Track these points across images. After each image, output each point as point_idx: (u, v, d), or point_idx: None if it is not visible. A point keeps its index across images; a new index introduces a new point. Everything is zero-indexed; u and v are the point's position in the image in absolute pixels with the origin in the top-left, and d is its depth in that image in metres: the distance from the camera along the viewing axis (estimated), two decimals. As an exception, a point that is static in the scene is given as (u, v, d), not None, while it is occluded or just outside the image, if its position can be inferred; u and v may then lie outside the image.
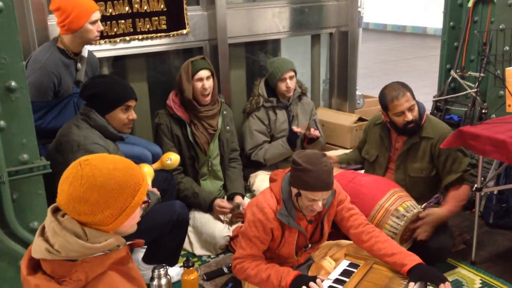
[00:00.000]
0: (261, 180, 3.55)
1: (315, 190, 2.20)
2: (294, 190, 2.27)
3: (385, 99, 2.88)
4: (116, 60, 3.62)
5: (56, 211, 1.43)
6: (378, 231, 2.40)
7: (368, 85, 6.79)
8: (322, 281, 2.21)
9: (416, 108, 2.87)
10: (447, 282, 2.16)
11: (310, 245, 2.46)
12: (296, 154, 2.28)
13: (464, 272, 2.84)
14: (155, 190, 2.55)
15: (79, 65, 2.93)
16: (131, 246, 1.54)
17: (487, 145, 2.55)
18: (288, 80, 3.53)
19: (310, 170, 2.17)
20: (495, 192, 3.27)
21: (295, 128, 3.52)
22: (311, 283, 2.16)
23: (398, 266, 2.27)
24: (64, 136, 2.47)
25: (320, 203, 2.23)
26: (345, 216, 2.44)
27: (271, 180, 2.46)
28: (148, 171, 2.57)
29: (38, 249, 1.38)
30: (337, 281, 2.27)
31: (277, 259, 2.41)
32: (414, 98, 2.88)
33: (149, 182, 2.54)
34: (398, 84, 2.90)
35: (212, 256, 3.07)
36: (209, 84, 3.14)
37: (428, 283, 2.23)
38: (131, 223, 1.49)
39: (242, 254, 2.35)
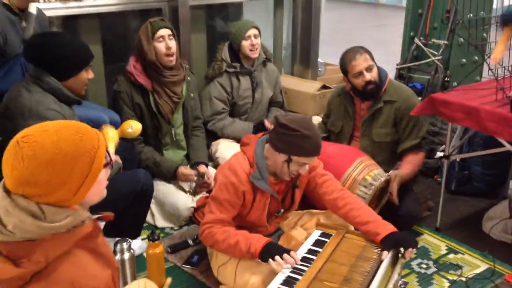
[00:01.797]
0: (224, 147, 3.42)
1: (312, 155, 2.19)
2: (282, 157, 2.19)
3: (344, 61, 2.88)
4: (68, 20, 3.34)
5: None
6: (353, 197, 2.36)
7: (325, 52, 6.72)
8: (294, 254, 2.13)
9: (375, 69, 2.86)
10: (410, 249, 2.14)
11: (282, 211, 2.39)
12: (285, 119, 2.18)
13: (429, 239, 2.85)
14: (117, 158, 2.38)
15: (23, 23, 2.67)
16: (100, 220, 1.40)
17: (458, 112, 2.53)
18: (253, 38, 3.37)
19: (308, 136, 2.13)
20: (457, 160, 3.29)
21: (267, 124, 3.40)
22: (285, 255, 2.08)
23: (372, 235, 2.23)
24: (13, 100, 2.24)
25: (307, 167, 2.23)
26: (319, 182, 2.39)
27: (243, 144, 2.38)
28: (112, 135, 2.38)
29: None
30: (310, 251, 2.21)
31: (246, 228, 2.32)
32: (373, 59, 2.87)
33: (112, 148, 2.36)
34: (357, 47, 2.91)
35: (175, 228, 2.95)
36: (172, 43, 2.94)
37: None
38: (97, 191, 1.34)
39: (211, 219, 2.25)
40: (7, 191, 1.23)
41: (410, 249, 2.14)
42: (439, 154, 3.40)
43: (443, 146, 3.32)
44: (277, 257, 2.06)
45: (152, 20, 2.97)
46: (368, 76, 2.80)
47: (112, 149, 2.37)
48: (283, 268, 2.05)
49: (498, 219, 2.86)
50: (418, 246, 2.75)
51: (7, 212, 1.20)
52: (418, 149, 2.88)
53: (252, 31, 3.38)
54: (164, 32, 2.93)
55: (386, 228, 2.22)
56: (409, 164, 2.83)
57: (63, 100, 2.30)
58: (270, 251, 2.10)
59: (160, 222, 2.95)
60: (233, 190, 2.24)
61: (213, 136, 3.52)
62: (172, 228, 2.95)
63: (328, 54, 6.25)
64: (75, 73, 2.31)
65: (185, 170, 3.01)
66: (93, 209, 1.39)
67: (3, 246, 1.21)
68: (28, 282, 1.21)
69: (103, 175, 1.33)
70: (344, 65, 2.87)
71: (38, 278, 1.22)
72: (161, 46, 2.92)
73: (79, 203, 1.31)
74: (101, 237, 1.43)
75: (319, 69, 4.65)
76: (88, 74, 2.37)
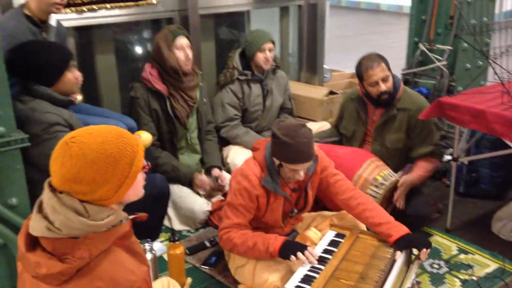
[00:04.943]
0: (235, 153, 3.50)
1: (296, 162, 2.22)
2: (276, 161, 2.28)
3: (361, 68, 2.92)
4: (82, 30, 3.44)
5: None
6: (365, 197, 2.42)
7: (329, 60, 6.82)
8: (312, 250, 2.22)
9: (390, 79, 2.90)
10: (424, 249, 2.19)
11: (296, 211, 2.46)
12: (275, 126, 2.26)
13: (440, 240, 2.92)
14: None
15: (44, 34, 2.75)
16: (134, 220, 1.47)
17: (466, 115, 2.60)
18: (267, 51, 3.46)
19: (289, 144, 2.18)
20: (465, 162, 3.36)
21: None
22: (306, 252, 2.15)
23: (384, 236, 2.29)
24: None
25: (301, 173, 2.27)
26: (330, 182, 2.45)
27: (254, 149, 2.45)
28: (147, 137, 2.46)
29: (37, 226, 1.29)
30: (325, 251, 2.28)
31: (263, 229, 2.40)
32: (389, 69, 2.92)
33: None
34: (374, 55, 2.95)
35: (192, 231, 3.02)
36: (190, 52, 3.07)
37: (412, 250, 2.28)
38: (135, 191, 1.42)
39: (228, 224, 2.33)
40: (53, 190, 1.31)
41: (424, 250, 2.19)
42: (447, 157, 3.47)
43: (450, 149, 3.39)
44: (299, 253, 2.15)
45: (170, 28, 3.09)
46: (383, 86, 2.85)
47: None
48: (303, 264, 2.13)
49: (507, 219, 2.93)
50: (429, 246, 2.83)
51: (54, 209, 1.27)
52: (431, 156, 2.96)
53: (268, 45, 3.46)
54: (184, 41, 3.05)
55: (399, 229, 2.27)
56: (420, 170, 2.91)
57: (57, 103, 2.37)
58: (289, 249, 2.19)
59: (177, 225, 3.03)
60: (246, 195, 2.31)
61: (225, 141, 3.60)
62: (188, 231, 3.02)
63: (332, 60, 6.35)
64: (58, 77, 2.38)
65: (202, 177, 3.09)
66: (132, 209, 1.47)
67: (48, 243, 1.29)
68: (71, 278, 1.29)
69: (141, 177, 1.41)
70: (360, 72, 2.91)
71: (81, 274, 1.29)
72: (181, 55, 3.03)
73: (117, 203, 1.38)
74: (134, 236, 1.50)
75: (325, 75, 4.73)
76: (73, 74, 2.43)
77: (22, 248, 1.31)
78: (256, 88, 3.60)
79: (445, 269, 2.65)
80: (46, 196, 1.32)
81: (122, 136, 1.37)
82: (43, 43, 2.45)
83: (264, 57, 3.46)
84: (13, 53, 2.41)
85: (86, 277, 1.29)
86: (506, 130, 2.44)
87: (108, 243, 1.34)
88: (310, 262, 2.14)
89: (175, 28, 3.10)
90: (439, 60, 3.91)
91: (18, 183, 2.06)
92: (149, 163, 1.51)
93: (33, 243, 1.32)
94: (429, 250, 2.22)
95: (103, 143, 1.32)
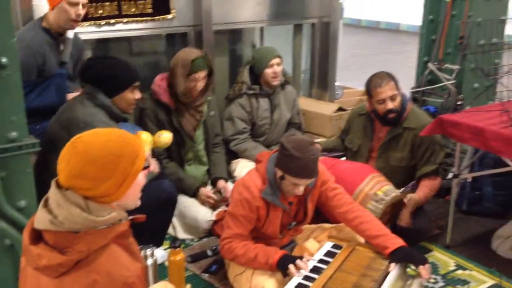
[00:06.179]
0: (242, 166, 3.57)
1: (299, 177, 2.28)
2: (279, 172, 2.33)
3: (370, 86, 2.99)
4: (100, 43, 3.59)
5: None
6: (362, 210, 2.47)
7: (344, 77, 6.89)
8: (308, 260, 2.28)
9: (398, 98, 2.96)
10: (426, 264, 2.23)
11: (294, 223, 2.52)
12: (285, 138, 2.33)
13: (439, 255, 2.95)
14: (153, 164, 2.56)
15: (61, 46, 2.91)
16: (132, 221, 1.56)
17: (466, 132, 2.65)
18: (275, 66, 3.54)
19: (297, 157, 2.23)
20: (469, 180, 3.38)
21: None
22: (298, 261, 2.22)
23: (380, 248, 2.33)
24: (68, 113, 2.51)
25: (301, 188, 2.32)
26: (329, 196, 2.50)
27: (257, 161, 2.52)
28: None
29: (41, 220, 1.39)
30: (321, 261, 2.33)
31: (262, 239, 2.47)
32: (398, 89, 2.98)
33: (148, 150, 2.56)
34: (385, 73, 3.02)
35: (195, 240, 3.10)
36: (201, 84, 3.12)
37: (408, 264, 2.32)
38: (134, 194, 1.49)
39: (230, 234, 2.40)
40: (59, 187, 1.41)
41: (426, 266, 2.21)
42: (451, 175, 3.49)
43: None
44: (290, 265, 2.21)
45: (195, 57, 3.08)
46: (390, 105, 2.92)
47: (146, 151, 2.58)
48: (297, 274, 2.19)
49: (504, 237, 2.94)
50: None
51: (58, 205, 1.37)
52: (435, 175, 3.00)
53: (275, 60, 3.55)
54: (202, 75, 3.10)
55: (395, 242, 2.31)
56: (425, 189, 2.95)
57: (112, 117, 2.55)
58: (287, 261, 2.25)
59: (181, 234, 3.11)
60: (247, 206, 2.37)
61: (233, 154, 3.69)
62: (192, 240, 3.10)
63: (345, 79, 6.42)
64: (119, 92, 2.56)
65: (207, 192, 3.17)
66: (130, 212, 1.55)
67: (50, 236, 1.38)
68: (69, 270, 1.38)
69: (142, 178, 1.50)
70: (369, 89, 2.98)
71: (79, 266, 1.38)
72: (191, 85, 3.10)
73: (117, 204, 1.47)
74: (132, 237, 1.59)
75: (337, 92, 4.81)
76: (134, 95, 2.61)
77: (26, 241, 1.41)
78: (264, 102, 3.69)
79: (441, 283, 2.68)
80: (52, 192, 1.42)
81: (124, 136, 1.48)
82: (116, 60, 2.65)
83: (273, 71, 3.54)
84: (89, 61, 2.64)
85: (83, 269, 1.38)
86: (504, 147, 2.48)
87: (106, 240, 1.43)
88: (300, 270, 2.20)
89: (199, 58, 3.09)
90: (447, 79, 3.96)
91: (27, 186, 2.16)
92: (149, 164, 1.60)
93: (37, 237, 1.42)
94: (428, 266, 2.24)
95: (106, 142, 1.42)
